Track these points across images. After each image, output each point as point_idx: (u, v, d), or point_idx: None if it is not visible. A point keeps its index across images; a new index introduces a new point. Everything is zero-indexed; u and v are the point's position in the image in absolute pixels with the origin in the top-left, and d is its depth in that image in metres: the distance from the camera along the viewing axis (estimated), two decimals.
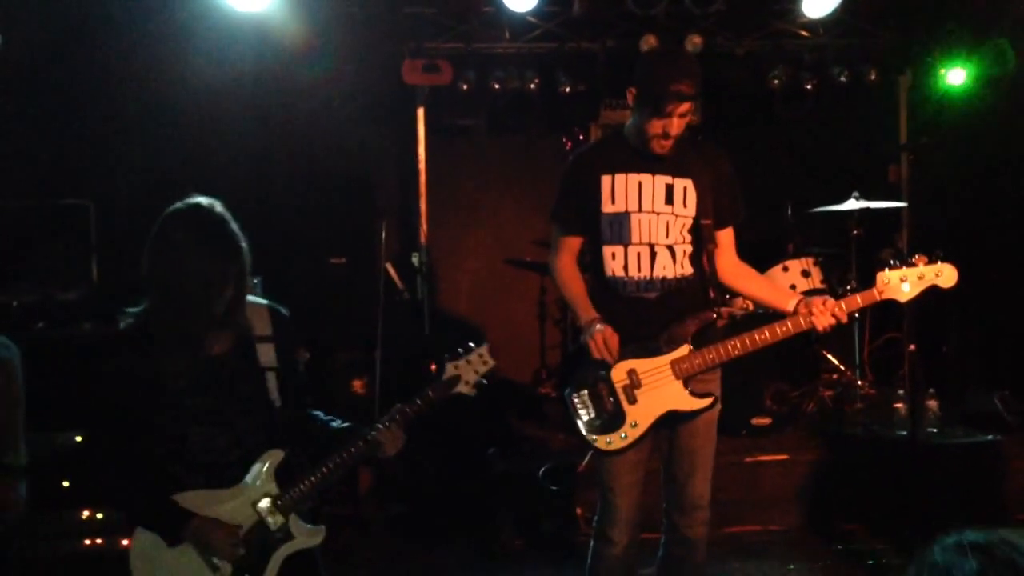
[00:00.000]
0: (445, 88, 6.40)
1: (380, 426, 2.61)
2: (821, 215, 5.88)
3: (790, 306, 3.08)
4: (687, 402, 3.05)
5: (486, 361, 2.71)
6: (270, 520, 2.53)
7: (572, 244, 3.26)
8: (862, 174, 6.34)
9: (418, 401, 2.66)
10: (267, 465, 2.54)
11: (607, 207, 3.11)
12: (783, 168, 6.83)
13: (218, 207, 2.52)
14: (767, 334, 3.02)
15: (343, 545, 4.73)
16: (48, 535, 4.13)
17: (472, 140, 6.97)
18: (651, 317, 3.10)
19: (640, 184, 3.10)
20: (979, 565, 0.94)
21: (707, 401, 3.07)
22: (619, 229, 3.11)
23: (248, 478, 2.53)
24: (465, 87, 6.38)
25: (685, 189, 3.11)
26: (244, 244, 2.52)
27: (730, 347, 3.02)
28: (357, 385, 5.58)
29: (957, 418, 5.34)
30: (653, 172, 3.10)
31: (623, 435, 3.05)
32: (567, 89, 6.46)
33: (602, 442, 3.07)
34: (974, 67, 6.24)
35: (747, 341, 3.01)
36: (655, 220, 3.09)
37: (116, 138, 5.73)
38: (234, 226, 2.52)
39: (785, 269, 5.83)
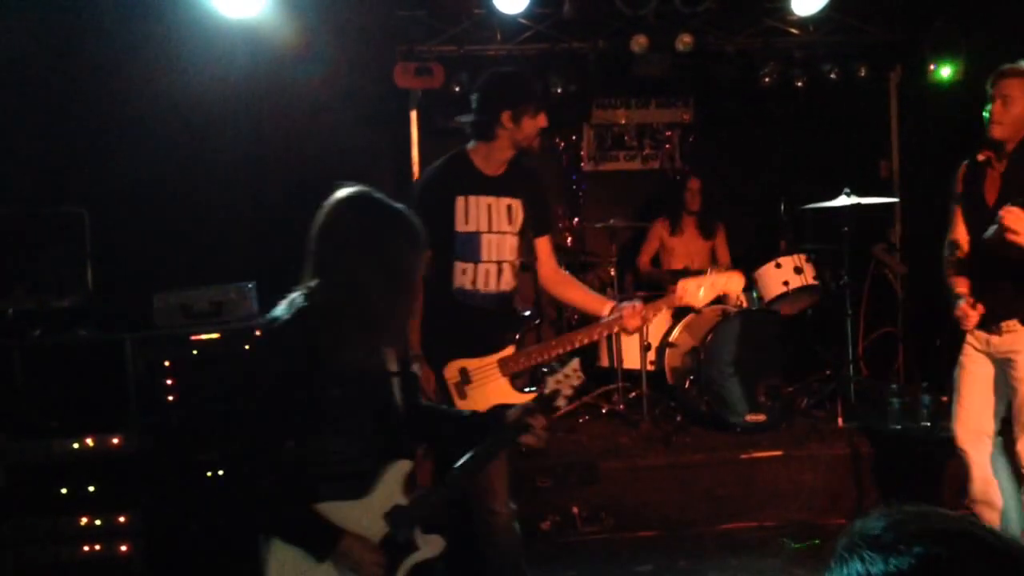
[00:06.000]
0: (438, 91, 6.42)
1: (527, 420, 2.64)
2: (813, 211, 5.90)
3: (605, 311, 3.36)
4: (512, 396, 3.30)
5: (580, 376, 2.80)
6: (398, 532, 2.43)
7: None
8: (854, 170, 6.36)
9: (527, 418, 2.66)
10: (395, 475, 2.46)
11: (460, 227, 3.38)
12: (775, 165, 6.85)
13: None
14: (583, 335, 3.31)
15: None
16: (47, 541, 4.14)
17: (465, 142, 6.97)
18: (489, 324, 3.39)
19: (489, 206, 3.41)
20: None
21: (531, 396, 3.20)
22: (471, 248, 3.38)
23: (378, 489, 2.44)
24: (458, 89, 6.40)
25: (516, 207, 3.45)
26: None
27: (552, 346, 3.30)
28: None
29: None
30: (498, 194, 3.41)
31: None
32: (559, 90, 6.48)
33: None
34: (964, 61, 6.26)
35: (566, 341, 3.30)
36: (501, 240, 3.42)
37: (110, 145, 5.73)
38: None
39: (778, 266, 5.86)
